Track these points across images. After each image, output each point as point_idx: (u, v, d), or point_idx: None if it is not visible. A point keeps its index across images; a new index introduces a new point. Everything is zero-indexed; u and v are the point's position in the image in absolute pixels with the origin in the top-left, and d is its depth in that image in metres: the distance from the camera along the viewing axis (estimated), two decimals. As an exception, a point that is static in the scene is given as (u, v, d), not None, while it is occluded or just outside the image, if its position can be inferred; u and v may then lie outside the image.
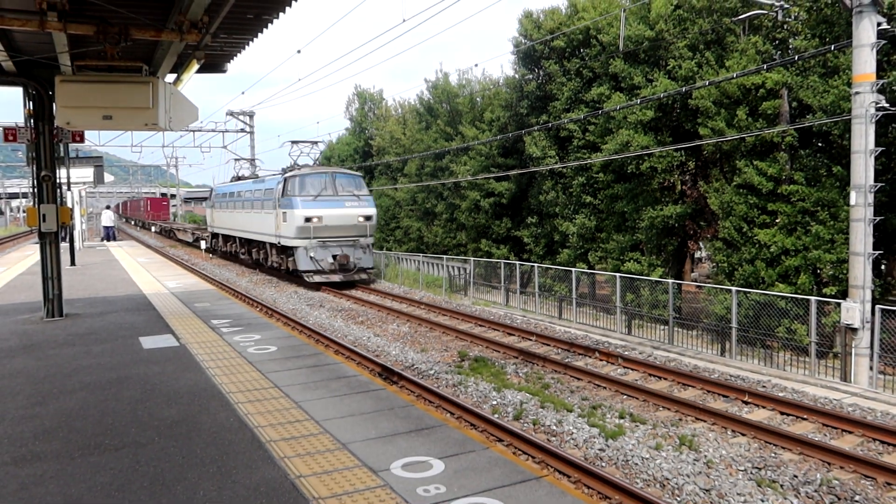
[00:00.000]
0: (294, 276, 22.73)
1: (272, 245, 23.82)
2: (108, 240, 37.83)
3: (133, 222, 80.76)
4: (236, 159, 35.66)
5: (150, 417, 6.13)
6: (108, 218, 40.73)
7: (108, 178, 32.92)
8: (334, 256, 21.19)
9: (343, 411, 6.31)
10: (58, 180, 11.83)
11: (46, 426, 5.94)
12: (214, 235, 33.70)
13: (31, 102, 11.00)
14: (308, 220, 20.88)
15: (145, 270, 20.20)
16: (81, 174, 25.77)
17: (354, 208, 21.82)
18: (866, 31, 11.47)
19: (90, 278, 17.90)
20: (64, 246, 16.69)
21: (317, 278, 21.03)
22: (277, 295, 20.55)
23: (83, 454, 5.28)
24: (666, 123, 20.29)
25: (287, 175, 22.30)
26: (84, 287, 15.89)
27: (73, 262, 21.47)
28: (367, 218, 22.10)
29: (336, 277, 21.17)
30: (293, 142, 28.08)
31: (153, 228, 59.51)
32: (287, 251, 22.26)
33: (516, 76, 26.31)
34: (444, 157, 30.37)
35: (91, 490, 4.65)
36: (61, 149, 19.95)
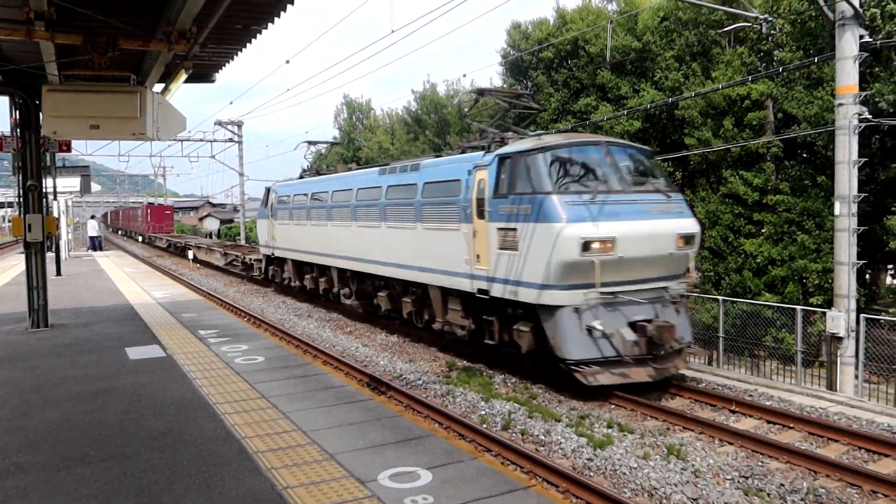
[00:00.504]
0: (523, 361, 11.28)
1: (449, 293, 12.32)
2: (95, 250, 37.55)
3: (125, 233, 70.19)
4: (311, 143, 23.76)
5: (137, 429, 6.08)
6: (93, 227, 40.34)
7: (94, 187, 32.64)
8: (633, 326, 9.87)
9: (331, 422, 6.29)
10: (44, 190, 11.75)
11: (31, 438, 5.88)
12: (275, 261, 22.04)
13: (17, 111, 10.95)
14: (587, 246, 9.53)
15: (132, 280, 20.06)
16: (68, 183, 25.60)
17: (667, 218, 10.33)
18: (849, 43, 11.63)
19: (76, 288, 17.76)
20: (50, 256, 16.56)
21: (603, 379, 9.55)
22: (265, 305, 20.45)
23: (68, 466, 5.23)
24: (653, 134, 20.45)
25: (515, 149, 10.76)
26: (70, 297, 15.77)
27: (58, 273, 21.29)
28: (688, 240, 10.48)
29: (643, 374, 9.68)
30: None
31: (156, 242, 49.08)
32: (501, 310, 11.10)
33: (504, 86, 26.45)
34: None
35: (76, 502, 4.61)
36: (48, 158, 19.83)
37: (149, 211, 55.45)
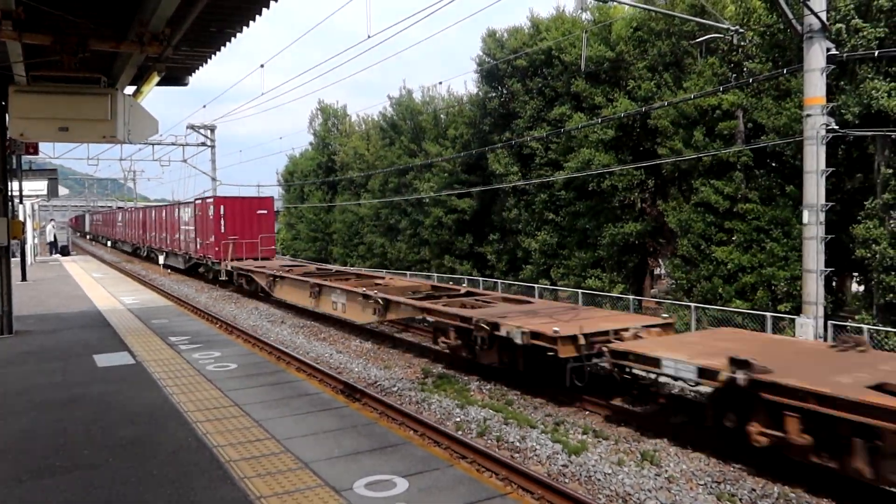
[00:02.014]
0: None
1: None
2: (62, 254, 36.72)
3: (133, 251, 43.40)
4: None
5: (105, 438, 5.94)
6: (51, 233, 39.22)
7: (62, 191, 31.99)
8: None
9: (305, 430, 6.21)
10: (9, 193, 11.47)
11: (-6, 448, 5.71)
12: None
13: (-18, 112, 10.68)
14: None
15: (100, 286, 19.68)
16: (34, 187, 25.06)
17: None
18: (816, 56, 11.89)
19: (42, 294, 17.37)
20: (15, 261, 16.17)
21: None
22: (238, 311, 20.21)
23: (33, 477, 5.08)
24: (626, 142, 20.68)
25: None
26: (35, 303, 15.40)
27: (24, 278, 20.81)
28: None
29: None
30: None
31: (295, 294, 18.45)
32: None
33: (479, 94, 26.56)
34: (408, 173, 30.43)
35: (41, 514, 4.48)
36: (14, 160, 19.39)
37: (221, 210, 25.22)
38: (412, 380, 11.67)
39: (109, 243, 55.85)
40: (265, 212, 26.80)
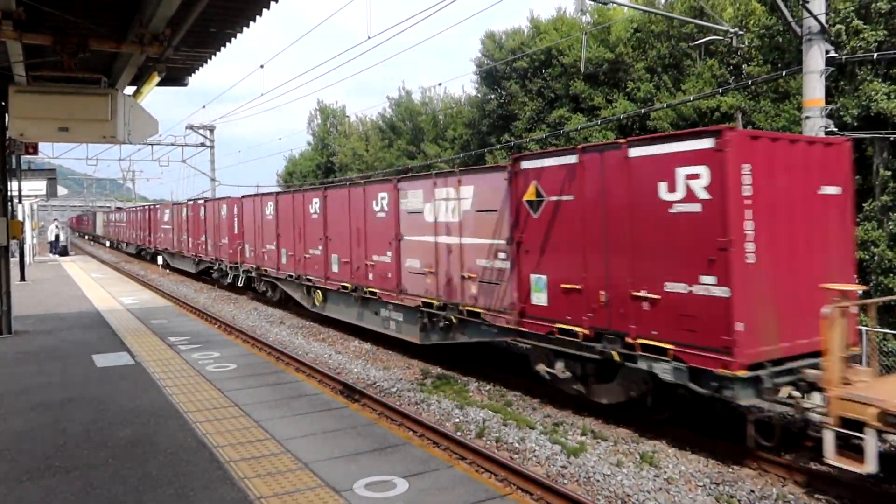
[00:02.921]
0: None
1: None
2: (61, 255, 36.69)
3: (202, 270, 26.43)
4: None
5: (104, 438, 5.94)
6: (52, 232, 39.25)
7: (61, 191, 31.95)
8: None
9: (305, 430, 6.22)
10: (9, 193, 11.47)
11: (-7, 448, 5.71)
12: None
13: (-19, 112, 10.68)
14: None
15: (99, 286, 19.67)
16: (33, 187, 25.05)
17: None
18: (815, 58, 11.90)
19: (41, 294, 17.36)
20: (14, 261, 16.16)
21: None
22: (237, 311, 20.20)
23: (32, 477, 5.08)
24: (625, 144, 20.69)
25: None
26: (34, 303, 15.40)
27: (23, 278, 20.80)
28: None
29: None
30: None
31: None
32: None
33: (478, 95, 26.57)
34: (407, 174, 30.43)
35: (41, 515, 4.48)
36: (13, 160, 19.37)
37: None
38: (411, 381, 11.67)
39: (121, 247, 44.52)
40: (839, 190, 8.68)
